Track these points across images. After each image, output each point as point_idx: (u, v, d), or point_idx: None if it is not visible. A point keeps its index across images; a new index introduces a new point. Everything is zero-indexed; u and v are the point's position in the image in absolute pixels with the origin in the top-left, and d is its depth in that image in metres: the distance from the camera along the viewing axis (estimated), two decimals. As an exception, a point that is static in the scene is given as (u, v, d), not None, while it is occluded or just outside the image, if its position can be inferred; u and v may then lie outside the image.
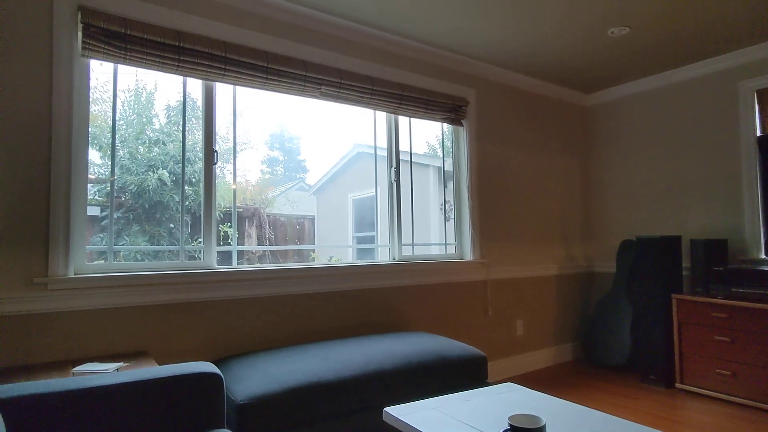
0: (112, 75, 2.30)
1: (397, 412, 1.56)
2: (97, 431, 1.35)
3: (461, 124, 3.51)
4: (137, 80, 2.71)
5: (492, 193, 3.68)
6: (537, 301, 3.95)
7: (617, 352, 3.71)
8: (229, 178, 2.74)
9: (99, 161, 2.40)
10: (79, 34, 2.07)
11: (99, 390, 1.37)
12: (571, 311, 4.23)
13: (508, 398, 1.69)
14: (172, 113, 2.85)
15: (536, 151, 4.04)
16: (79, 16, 2.05)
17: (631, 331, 3.66)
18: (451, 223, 3.59)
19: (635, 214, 4.10)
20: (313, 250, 4.59)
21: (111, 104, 2.33)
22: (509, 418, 1.25)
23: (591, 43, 3.27)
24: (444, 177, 3.68)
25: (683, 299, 3.29)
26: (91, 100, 2.18)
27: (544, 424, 1.22)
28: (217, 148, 2.53)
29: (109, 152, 2.38)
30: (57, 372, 1.78)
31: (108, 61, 2.13)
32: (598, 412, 1.53)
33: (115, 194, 2.33)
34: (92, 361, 1.94)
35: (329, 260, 4.17)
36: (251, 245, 4.41)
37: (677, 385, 3.29)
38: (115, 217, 2.29)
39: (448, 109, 3.38)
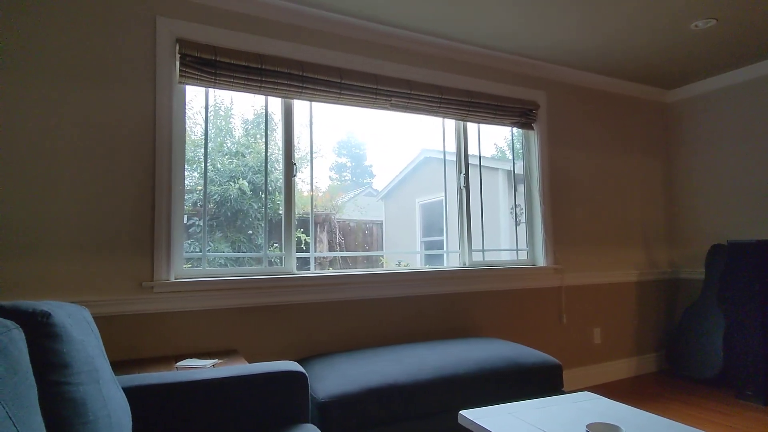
0: (198, 96, 2.54)
1: (473, 415, 1.59)
2: (200, 419, 1.51)
3: (532, 128, 3.46)
4: (215, 96, 2.96)
5: (565, 197, 3.58)
6: (616, 309, 3.78)
7: (708, 365, 3.46)
8: (301, 185, 2.91)
9: (185, 173, 2.64)
10: (177, 63, 2.31)
11: (203, 383, 1.54)
12: (654, 320, 4.00)
13: (586, 407, 1.66)
14: (249, 126, 3.07)
15: (612, 151, 3.88)
16: (177, 47, 2.29)
17: (724, 343, 3.40)
18: (522, 228, 3.54)
19: (726, 216, 3.80)
20: (382, 255, 4.70)
21: (195, 121, 2.56)
22: (587, 426, 1.25)
23: (672, 38, 3.10)
24: (514, 180, 3.63)
25: (785, 309, 3.01)
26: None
27: (627, 435, 1.21)
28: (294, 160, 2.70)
29: (195, 165, 2.62)
30: (163, 366, 2.00)
31: (200, 86, 2.36)
32: (688, 427, 1.46)
33: (201, 204, 2.55)
34: (191, 357, 2.15)
35: (397, 265, 4.25)
36: (323, 250, 4.60)
37: (779, 402, 3.02)
38: (202, 224, 2.51)
39: (518, 114, 3.35)
